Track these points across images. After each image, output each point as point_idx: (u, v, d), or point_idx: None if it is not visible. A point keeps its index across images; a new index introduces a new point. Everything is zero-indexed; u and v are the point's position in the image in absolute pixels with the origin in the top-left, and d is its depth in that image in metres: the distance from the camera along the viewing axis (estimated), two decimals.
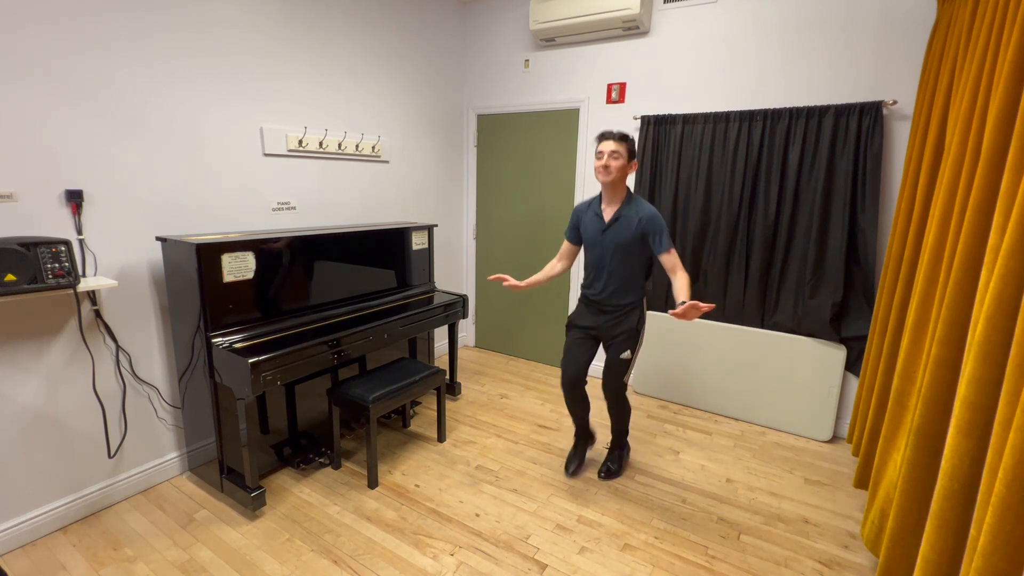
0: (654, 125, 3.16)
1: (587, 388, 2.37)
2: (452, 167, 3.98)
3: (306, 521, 2.10)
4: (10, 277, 1.65)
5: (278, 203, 2.68)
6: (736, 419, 3.13)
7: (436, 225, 3.33)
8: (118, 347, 2.12)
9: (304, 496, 2.27)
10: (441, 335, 3.95)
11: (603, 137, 2.12)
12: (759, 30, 2.84)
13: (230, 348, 2.04)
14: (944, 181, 1.62)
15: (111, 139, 2.01)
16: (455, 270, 4.17)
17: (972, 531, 1.06)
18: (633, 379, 3.50)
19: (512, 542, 2.02)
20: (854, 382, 2.81)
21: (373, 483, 2.34)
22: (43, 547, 1.92)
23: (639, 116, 3.22)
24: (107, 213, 2.02)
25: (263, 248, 2.22)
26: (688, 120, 3.05)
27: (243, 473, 2.13)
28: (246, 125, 2.47)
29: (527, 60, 3.65)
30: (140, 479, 2.25)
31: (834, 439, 2.88)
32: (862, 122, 2.57)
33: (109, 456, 2.14)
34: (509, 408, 3.21)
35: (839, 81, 2.67)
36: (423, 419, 3.03)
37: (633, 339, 2.22)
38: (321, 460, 2.50)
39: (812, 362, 2.87)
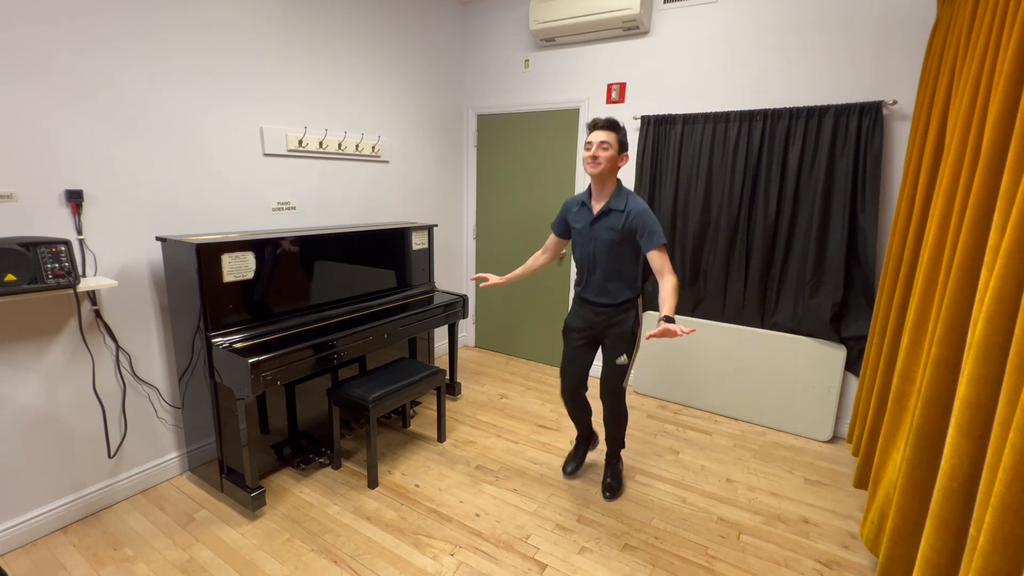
0: (654, 125, 3.16)
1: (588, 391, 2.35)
2: (452, 167, 3.98)
3: (306, 521, 2.10)
4: (10, 277, 1.65)
5: (278, 203, 2.68)
6: (736, 419, 3.13)
7: (436, 225, 3.33)
8: (118, 347, 2.12)
9: (304, 496, 2.27)
10: (441, 335, 3.95)
11: (592, 126, 2.01)
12: (759, 30, 2.84)
13: (230, 348, 2.04)
14: (944, 181, 1.62)
15: (111, 139, 2.01)
16: (455, 270, 4.17)
17: (972, 531, 1.06)
18: (633, 379, 3.50)
19: (512, 542, 2.02)
20: (854, 382, 2.81)
21: (373, 483, 2.34)
22: (43, 547, 1.92)
23: (639, 116, 3.22)
24: (107, 213, 2.02)
25: (263, 248, 2.21)
26: (688, 120, 3.05)
27: (243, 473, 2.13)
28: (246, 125, 2.47)
29: (527, 60, 3.65)
30: (140, 479, 2.25)
31: (834, 439, 2.88)
32: (862, 122, 2.57)
33: (109, 456, 2.14)
34: (509, 408, 3.21)
35: (839, 81, 2.67)
36: (423, 419, 3.03)
37: (629, 342, 2.13)
38: (321, 460, 2.50)
39: (812, 362, 2.87)
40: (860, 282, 2.73)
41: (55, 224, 1.89)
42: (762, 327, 3.03)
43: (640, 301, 2.17)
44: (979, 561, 0.97)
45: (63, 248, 1.77)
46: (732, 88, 2.95)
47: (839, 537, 2.08)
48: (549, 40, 3.45)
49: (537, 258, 2.33)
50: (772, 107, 2.81)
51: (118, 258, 2.08)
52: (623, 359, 2.13)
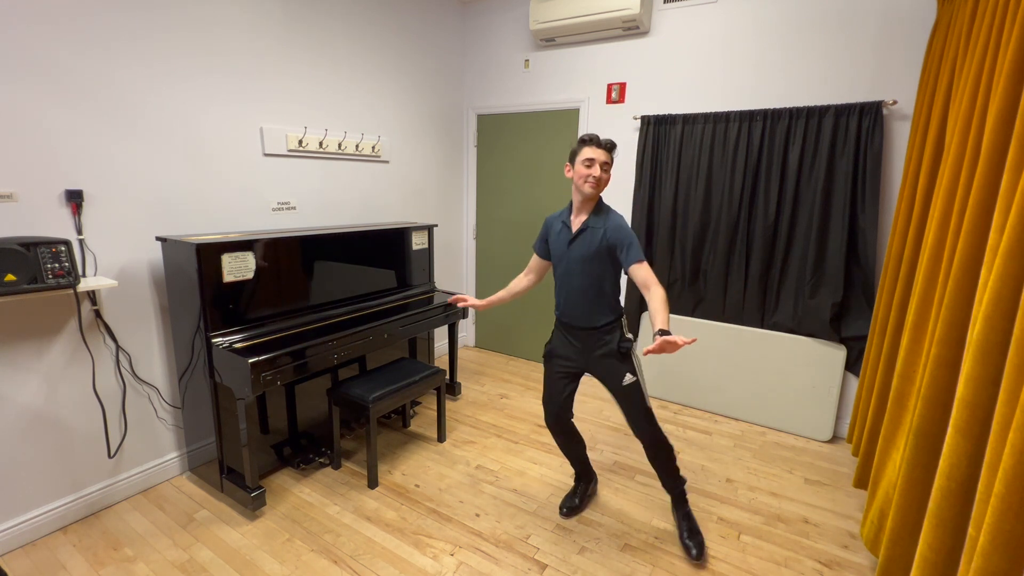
0: (654, 125, 3.16)
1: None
2: (452, 167, 3.98)
3: (306, 521, 2.10)
4: (10, 277, 1.65)
5: (278, 203, 2.68)
6: (736, 419, 3.13)
7: (436, 225, 3.33)
8: (118, 347, 2.12)
9: (304, 496, 2.27)
10: (441, 335, 3.95)
11: (594, 143, 1.83)
12: (759, 30, 2.84)
13: (230, 348, 2.04)
14: (944, 181, 1.62)
15: (111, 139, 2.01)
16: (455, 270, 4.17)
17: (971, 531, 1.06)
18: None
19: (512, 542, 2.02)
20: (854, 382, 2.81)
21: (373, 483, 2.34)
22: (43, 547, 1.92)
23: (639, 116, 3.22)
24: (107, 213, 2.02)
25: (263, 248, 2.22)
26: (688, 120, 3.05)
27: (243, 473, 2.13)
28: (246, 125, 2.47)
29: (527, 60, 3.65)
30: (140, 479, 2.25)
31: (834, 439, 2.88)
32: (862, 122, 2.57)
33: (109, 456, 2.14)
34: (509, 408, 3.21)
35: (839, 81, 2.67)
36: (423, 419, 3.03)
37: (625, 361, 1.94)
38: (321, 460, 2.50)
39: (812, 362, 2.87)
40: (860, 282, 2.73)
41: (55, 224, 1.89)
42: (762, 327, 3.03)
43: (624, 321, 2.00)
44: (979, 561, 0.97)
45: (63, 248, 1.77)
46: (732, 88, 2.95)
47: (839, 537, 2.08)
48: (549, 40, 3.45)
49: (520, 281, 2.15)
50: (772, 107, 2.81)
51: (118, 258, 2.08)
52: (629, 378, 1.92)
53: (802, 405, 2.92)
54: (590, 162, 1.83)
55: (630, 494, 2.34)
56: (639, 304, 3.36)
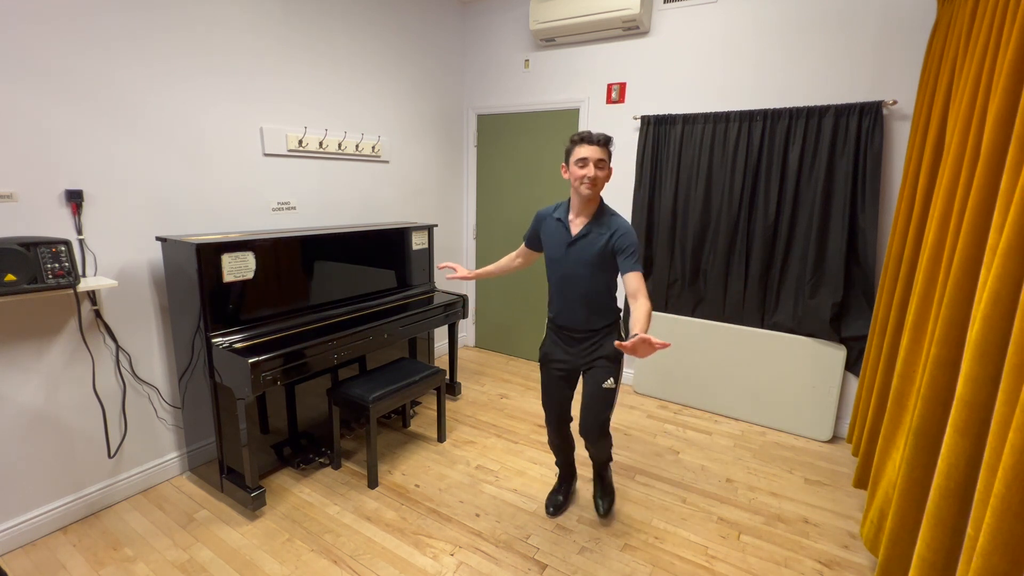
0: (654, 125, 3.16)
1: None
2: (452, 167, 3.98)
3: (306, 521, 2.10)
4: (10, 277, 1.65)
5: (278, 203, 2.68)
6: (736, 419, 3.13)
7: (436, 225, 3.33)
8: (118, 347, 2.12)
9: (304, 496, 2.27)
10: (441, 335, 3.95)
11: (586, 141, 1.77)
12: (759, 30, 2.84)
13: (230, 348, 2.04)
14: (944, 181, 1.62)
15: (111, 139, 2.01)
16: None
17: (970, 531, 1.06)
18: (633, 379, 3.51)
19: (512, 542, 2.02)
20: (854, 382, 2.81)
21: (373, 483, 2.34)
22: (43, 547, 1.92)
23: (639, 116, 3.22)
24: (107, 213, 2.03)
25: (263, 248, 2.22)
26: (688, 120, 3.05)
27: (243, 473, 2.13)
28: (246, 125, 2.47)
29: (527, 60, 3.65)
30: (140, 479, 2.25)
31: (834, 439, 2.88)
32: (862, 122, 2.57)
33: (109, 456, 2.14)
34: (509, 408, 3.21)
35: (839, 81, 2.67)
36: (423, 419, 3.03)
37: (614, 365, 1.94)
38: (321, 460, 2.50)
39: (812, 362, 2.87)
40: (860, 282, 2.73)
41: (55, 224, 1.89)
42: (762, 327, 3.03)
43: (620, 323, 2.00)
44: (979, 561, 0.97)
45: (63, 248, 1.77)
46: (732, 88, 2.95)
47: (839, 537, 2.08)
48: (549, 40, 3.45)
49: (512, 259, 2.18)
50: (772, 107, 2.81)
51: (118, 258, 2.08)
52: (609, 382, 1.93)
53: (802, 405, 2.92)
54: (583, 162, 1.77)
55: (630, 494, 2.34)
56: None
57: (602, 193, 1.89)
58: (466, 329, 4.35)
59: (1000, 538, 0.94)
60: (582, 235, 1.85)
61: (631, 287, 1.77)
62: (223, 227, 2.44)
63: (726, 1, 2.92)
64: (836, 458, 2.70)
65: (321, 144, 2.83)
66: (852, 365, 2.79)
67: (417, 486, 2.36)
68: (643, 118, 3.19)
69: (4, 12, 1.70)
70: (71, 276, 1.78)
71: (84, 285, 1.86)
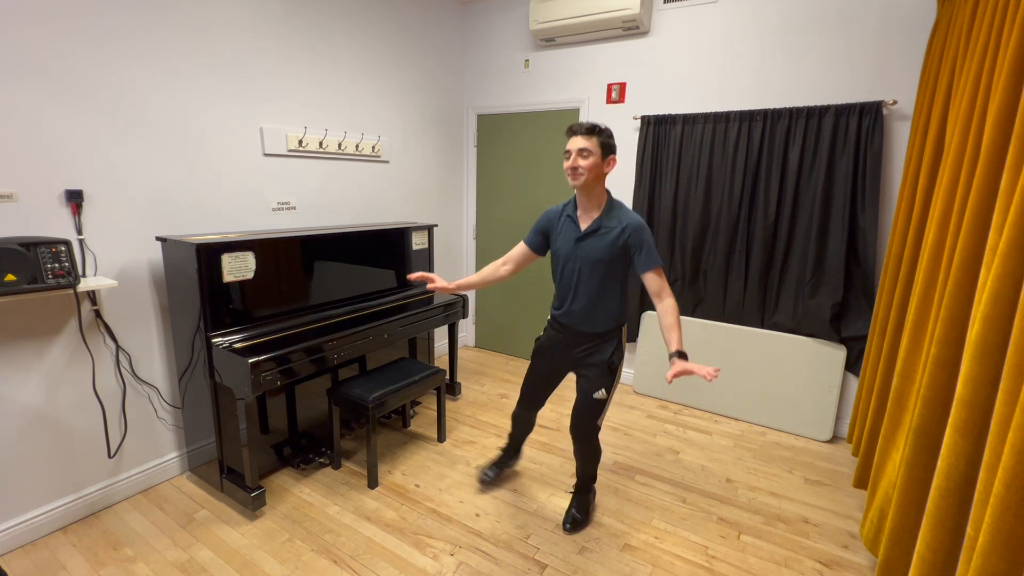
0: (654, 125, 3.16)
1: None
2: (452, 167, 3.98)
3: (306, 521, 2.10)
4: (10, 277, 1.65)
5: (278, 203, 2.68)
6: (736, 419, 3.13)
7: (436, 225, 3.33)
8: (118, 347, 2.12)
9: (304, 496, 2.27)
10: (441, 335, 3.95)
11: (571, 132, 1.77)
12: (759, 30, 2.84)
13: (230, 348, 2.04)
14: (944, 181, 1.62)
15: (111, 139, 2.01)
16: (455, 270, 4.17)
17: (970, 531, 1.06)
18: (633, 379, 3.51)
19: (512, 542, 2.02)
20: (854, 382, 2.81)
21: (373, 483, 2.34)
22: (43, 547, 1.92)
23: (639, 116, 3.22)
24: (107, 213, 2.03)
25: (263, 248, 2.21)
26: (688, 120, 3.05)
27: (243, 473, 2.13)
28: (246, 125, 2.47)
29: (527, 60, 3.65)
30: (140, 479, 2.25)
31: (834, 439, 2.88)
32: (862, 122, 2.57)
33: (109, 456, 2.14)
34: (509, 408, 3.20)
35: (839, 81, 2.67)
36: (423, 419, 3.03)
37: (608, 376, 1.89)
38: (321, 460, 2.50)
39: (812, 362, 2.87)
40: (860, 282, 2.73)
41: (55, 224, 1.89)
42: (762, 327, 3.03)
43: (624, 330, 1.95)
44: (978, 561, 0.97)
45: (63, 248, 1.77)
46: (732, 88, 2.95)
47: (839, 537, 2.08)
48: (549, 40, 3.45)
49: (496, 269, 2.03)
50: (772, 107, 2.81)
51: (118, 258, 2.08)
52: (600, 393, 1.88)
53: (802, 405, 2.92)
54: (567, 154, 1.77)
55: (630, 494, 2.34)
56: (639, 305, 3.36)
57: (609, 190, 1.88)
58: (466, 329, 4.35)
59: (1000, 538, 0.94)
60: (592, 230, 1.82)
61: (652, 287, 1.76)
62: (223, 227, 2.44)
63: (726, 1, 2.92)
64: (836, 458, 2.70)
65: (321, 144, 2.83)
66: (852, 365, 2.79)
67: (417, 486, 2.36)
68: (643, 118, 3.19)
69: (4, 12, 1.70)
70: (71, 276, 1.78)
71: (84, 285, 1.86)
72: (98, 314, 2.05)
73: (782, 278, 2.94)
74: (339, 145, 2.93)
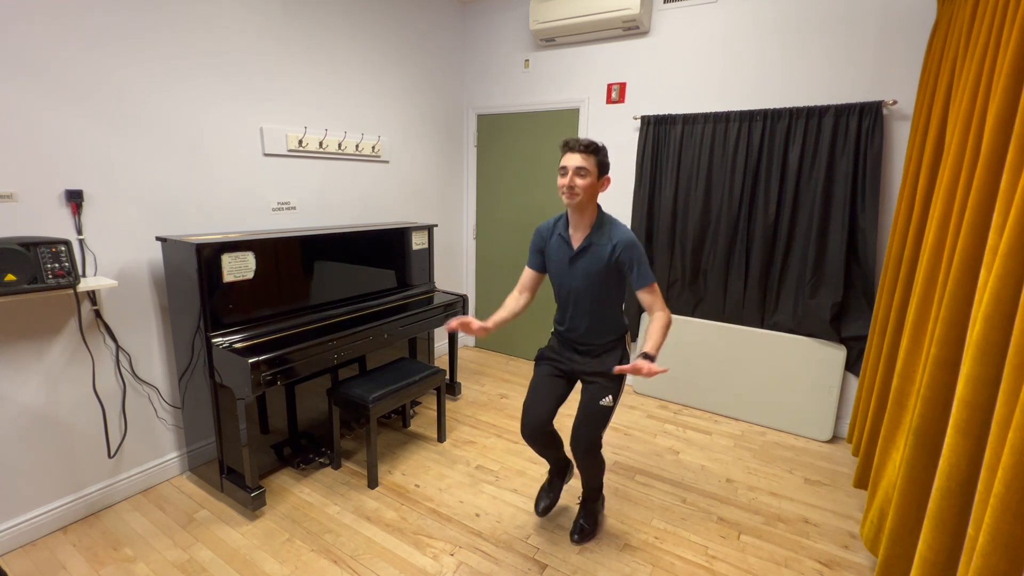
0: (654, 125, 3.16)
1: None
2: (452, 167, 3.98)
3: (306, 521, 2.10)
4: (10, 277, 1.65)
5: (278, 203, 2.68)
6: (736, 419, 3.13)
7: (436, 225, 3.33)
8: (118, 347, 2.12)
9: (304, 496, 2.27)
10: (441, 335, 3.95)
11: (567, 147, 1.71)
12: (759, 30, 2.84)
13: (230, 348, 2.04)
14: (944, 181, 1.62)
15: (111, 139, 2.01)
16: (455, 270, 4.17)
17: (970, 531, 1.06)
18: (633, 379, 3.50)
19: (512, 542, 2.02)
20: (854, 382, 2.81)
21: (373, 483, 2.34)
22: (43, 547, 1.92)
23: (639, 116, 3.22)
24: (107, 213, 2.02)
25: (263, 248, 2.21)
26: (688, 120, 3.05)
27: (243, 473, 2.13)
28: (246, 125, 2.47)
29: (527, 60, 3.65)
30: (140, 479, 2.25)
31: (834, 439, 2.88)
32: (862, 122, 2.57)
33: (109, 456, 2.14)
34: (509, 408, 3.20)
35: (839, 81, 2.67)
36: (423, 419, 3.03)
37: (615, 382, 1.86)
38: (321, 460, 2.50)
39: (812, 362, 2.87)
40: (860, 282, 2.73)
41: (55, 224, 1.89)
42: (762, 327, 3.03)
43: (627, 338, 1.95)
44: (978, 561, 0.97)
45: (63, 248, 1.77)
46: (732, 88, 2.95)
47: (839, 537, 2.08)
48: (549, 40, 3.45)
49: (516, 300, 1.95)
50: (772, 107, 2.81)
51: (118, 258, 2.08)
52: (608, 400, 1.86)
53: (802, 405, 2.92)
54: (563, 171, 1.71)
55: (630, 494, 2.34)
56: (638, 313, 3.33)
57: (603, 194, 1.84)
58: None
59: (1000, 538, 0.94)
60: (584, 247, 1.80)
61: (647, 302, 1.75)
62: (223, 227, 2.44)
63: (726, 1, 2.92)
64: (836, 458, 2.70)
65: (321, 144, 2.83)
66: (852, 365, 2.79)
67: (417, 486, 2.36)
68: (643, 118, 3.19)
69: (4, 12, 1.70)
70: (71, 276, 1.78)
71: (84, 285, 1.85)
72: (98, 314, 2.05)
73: (782, 278, 2.94)
74: (339, 145, 2.93)
